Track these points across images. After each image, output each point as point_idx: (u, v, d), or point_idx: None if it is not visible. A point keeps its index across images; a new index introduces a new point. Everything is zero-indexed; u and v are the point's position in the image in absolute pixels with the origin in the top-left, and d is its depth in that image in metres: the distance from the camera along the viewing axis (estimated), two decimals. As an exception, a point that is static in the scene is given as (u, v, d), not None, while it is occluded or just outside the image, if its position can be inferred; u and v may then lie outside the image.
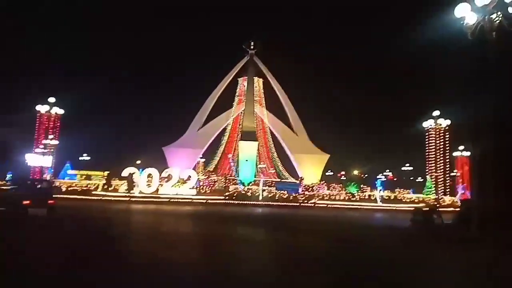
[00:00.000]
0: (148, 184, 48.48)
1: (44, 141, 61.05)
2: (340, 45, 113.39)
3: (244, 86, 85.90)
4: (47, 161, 58.83)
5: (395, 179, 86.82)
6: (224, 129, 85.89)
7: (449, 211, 38.12)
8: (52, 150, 63.41)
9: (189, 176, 51.13)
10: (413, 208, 31.55)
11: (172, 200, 46.10)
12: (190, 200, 46.74)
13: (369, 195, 55.98)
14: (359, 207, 49.94)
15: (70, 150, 69.35)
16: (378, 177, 63.65)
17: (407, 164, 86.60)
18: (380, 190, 54.61)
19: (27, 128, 64.50)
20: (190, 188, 50.03)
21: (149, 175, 48.92)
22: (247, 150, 79.13)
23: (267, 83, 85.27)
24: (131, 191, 47.14)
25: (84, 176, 60.40)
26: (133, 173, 47.97)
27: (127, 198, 45.83)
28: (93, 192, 48.74)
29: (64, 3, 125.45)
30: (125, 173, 48.63)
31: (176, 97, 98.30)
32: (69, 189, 49.85)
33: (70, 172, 61.98)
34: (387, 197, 55.57)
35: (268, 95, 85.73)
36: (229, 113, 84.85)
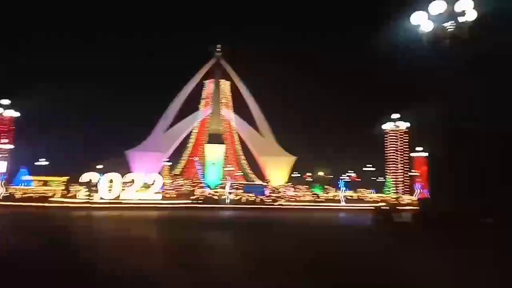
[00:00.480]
0: (110, 190, 46.69)
1: (-3, 146, 57.46)
2: (305, 48, 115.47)
3: (211, 88, 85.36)
4: (0, 166, 55.33)
5: (358, 180, 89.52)
6: (190, 132, 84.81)
7: (408, 210, 39.79)
8: (5, 155, 59.76)
9: (154, 181, 49.84)
10: (374, 208, 32.79)
11: (136, 205, 44.69)
12: (154, 205, 45.57)
13: (334, 196, 57.33)
14: (324, 207, 51.00)
15: (26, 154, 65.57)
16: (341, 177, 65.34)
17: (369, 165, 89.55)
18: (344, 190, 56.06)
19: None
20: (155, 193, 48.78)
21: (111, 181, 47.11)
22: (214, 153, 78.57)
23: (233, 86, 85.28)
24: (90, 198, 45.24)
25: (41, 182, 57.24)
26: (92, 179, 46.08)
27: (87, 205, 43.95)
28: (51, 199, 46.29)
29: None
30: (84, 178, 46.59)
31: (140, 100, 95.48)
32: (23, 196, 47.06)
33: (25, 178, 58.53)
34: (350, 197, 57.18)
35: (235, 98, 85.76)
36: (195, 116, 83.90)
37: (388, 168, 73.86)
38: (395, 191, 68.33)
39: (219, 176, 76.52)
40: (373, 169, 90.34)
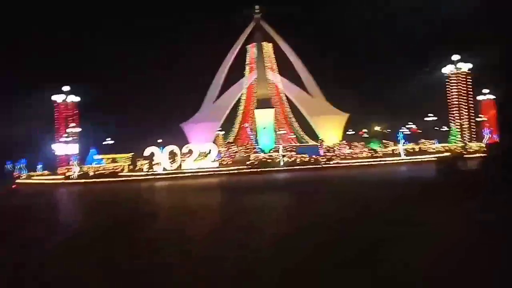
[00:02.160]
0: (171, 161, 49.57)
1: (67, 130, 62.64)
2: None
3: (254, 53, 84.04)
4: (73, 148, 60.60)
5: (419, 131, 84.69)
6: (239, 99, 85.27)
7: (477, 157, 37.05)
8: (75, 137, 65.11)
9: (210, 150, 51.68)
10: (437, 158, 30.84)
11: (196, 174, 47.08)
12: (213, 173, 47.58)
13: (392, 150, 55.00)
14: (382, 162, 49.38)
15: (93, 135, 71.04)
16: (400, 130, 62.07)
17: (430, 114, 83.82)
18: (404, 143, 53.42)
19: (46, 119, 66.24)
20: (212, 161, 50.69)
21: (171, 152, 49.96)
22: (264, 117, 78.57)
23: (277, 47, 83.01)
24: (155, 170, 48.45)
25: (110, 160, 62.16)
26: (154, 153, 49.14)
27: (153, 176, 47.24)
28: (120, 174, 50.29)
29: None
30: (147, 152, 49.86)
31: (187, 73, 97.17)
32: (96, 173, 51.60)
33: (96, 157, 63.86)
34: (411, 150, 54.45)
35: (279, 60, 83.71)
36: (242, 83, 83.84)
37: (452, 116, 68.59)
38: (461, 139, 63.61)
39: (272, 140, 76.98)
40: (435, 118, 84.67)
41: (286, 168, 48.97)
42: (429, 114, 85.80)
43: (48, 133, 63.56)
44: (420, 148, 56.78)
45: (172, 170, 48.81)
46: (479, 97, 66.82)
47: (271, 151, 61.31)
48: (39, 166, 59.89)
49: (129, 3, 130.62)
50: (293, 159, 53.37)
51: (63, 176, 51.90)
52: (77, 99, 65.86)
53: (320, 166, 49.87)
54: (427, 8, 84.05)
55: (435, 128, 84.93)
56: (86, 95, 67.51)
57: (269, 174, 46.64)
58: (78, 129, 64.56)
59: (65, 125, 60.62)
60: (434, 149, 55.58)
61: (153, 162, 49.51)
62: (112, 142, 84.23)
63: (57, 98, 62.34)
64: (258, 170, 48.68)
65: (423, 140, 61.88)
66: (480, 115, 67.57)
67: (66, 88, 63.66)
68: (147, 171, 48.40)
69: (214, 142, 65.56)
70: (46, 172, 58.68)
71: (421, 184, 24.68)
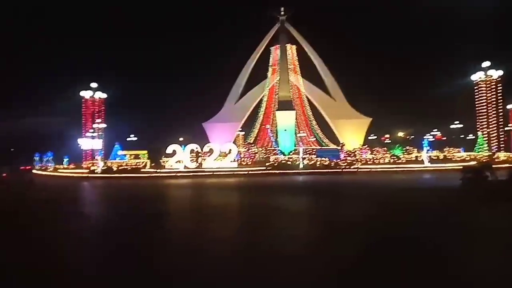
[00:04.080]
0: (192, 159, 50.33)
1: (93, 125, 64.59)
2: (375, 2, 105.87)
3: (277, 55, 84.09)
4: (97, 143, 62.38)
5: (444, 138, 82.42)
6: (260, 100, 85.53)
7: (504, 168, 35.80)
8: (100, 133, 66.97)
9: (230, 150, 52.09)
10: (463, 167, 29.93)
11: (215, 173, 47.54)
12: (232, 173, 47.91)
13: (416, 157, 53.79)
14: (405, 169, 48.40)
15: (117, 132, 72.94)
16: (425, 137, 60.60)
17: (456, 122, 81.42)
18: (428, 150, 52.15)
19: (74, 114, 68.53)
20: (232, 161, 51.07)
21: (192, 151, 50.76)
22: (285, 119, 78.53)
23: (300, 49, 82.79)
24: (176, 167, 49.34)
25: (133, 156, 63.63)
26: (176, 151, 50.11)
27: (174, 174, 48.10)
28: (142, 170, 51.37)
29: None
30: (169, 150, 50.89)
31: (211, 72, 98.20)
32: (119, 168, 52.90)
33: (120, 152, 65.50)
34: (435, 157, 53.09)
35: (302, 62, 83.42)
36: (264, 84, 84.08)
37: (479, 124, 66.45)
38: (488, 148, 61.52)
39: (292, 142, 76.78)
40: (461, 126, 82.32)
41: (306, 171, 48.71)
42: (455, 122, 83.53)
43: (75, 128, 65.66)
44: (444, 155, 55.29)
45: (193, 168, 49.53)
46: (509, 106, 64.50)
47: (291, 153, 61.20)
48: (66, 160, 61.95)
49: (154, 3, 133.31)
50: (313, 162, 53.07)
51: (87, 170, 53.47)
52: (104, 95, 67.72)
53: (341, 170, 49.34)
54: (457, 14, 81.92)
55: (461, 136, 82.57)
56: (113, 92, 69.43)
57: (289, 176, 46.55)
58: (104, 125, 66.37)
59: (91, 120, 62.39)
60: (459, 157, 54.00)
61: (175, 160, 50.44)
62: (135, 138, 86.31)
63: (85, 94, 64.27)
64: (277, 172, 48.65)
65: (448, 148, 60.25)
66: (509, 124, 65.22)
67: (94, 84, 65.55)
68: (172, 168, 49.66)
69: (234, 143, 66.03)
70: (71, 165, 60.67)
71: (452, 191, 24.20)
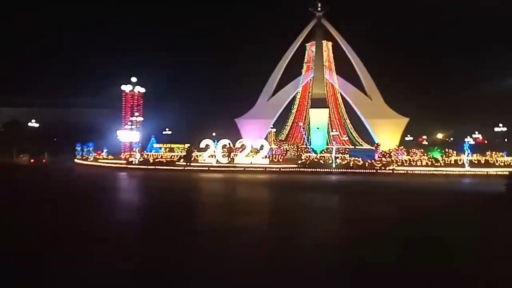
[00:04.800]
0: (224, 155, 51.06)
1: (131, 118, 67.04)
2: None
3: (313, 51, 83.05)
4: (135, 136, 64.72)
5: (485, 142, 78.27)
6: (294, 97, 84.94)
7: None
8: (138, 126, 69.38)
9: (262, 146, 52.31)
10: (509, 172, 28.40)
11: (247, 169, 47.99)
12: (263, 169, 48.16)
13: (455, 160, 51.48)
14: (443, 172, 46.52)
15: (153, 125, 75.35)
16: (465, 140, 57.80)
17: (500, 124, 77.00)
18: (468, 154, 49.77)
19: (114, 107, 71.39)
20: (263, 158, 51.28)
21: (224, 146, 51.51)
22: (318, 117, 77.60)
23: (337, 46, 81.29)
24: (209, 162, 50.37)
25: (167, 149, 65.56)
26: (209, 145, 51.22)
27: (207, 168, 49.16)
28: (177, 163, 52.81)
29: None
30: (202, 144, 52.00)
31: (245, 67, 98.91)
32: (155, 160, 54.72)
33: (155, 145, 67.63)
34: (476, 161, 50.57)
35: (338, 59, 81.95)
36: (298, 81, 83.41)
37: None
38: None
39: (325, 140, 75.83)
40: (505, 129, 77.85)
41: (338, 170, 48.02)
42: (499, 124, 79.09)
43: (115, 120, 68.46)
44: (486, 160, 52.53)
45: (225, 163, 50.29)
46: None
47: (323, 152, 60.45)
48: (105, 151, 64.83)
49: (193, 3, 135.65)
50: (345, 161, 52.18)
51: (125, 161, 55.71)
52: (142, 90, 69.99)
53: (375, 171, 48.21)
54: (506, 8, 77.17)
55: (505, 140, 78.07)
56: (148, 85, 71.69)
57: (320, 175, 46.13)
58: (141, 118, 68.69)
59: (130, 113, 64.72)
60: (503, 162, 51.11)
61: (208, 154, 51.50)
62: (170, 132, 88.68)
63: (126, 88, 66.69)
64: (309, 170, 48.29)
65: (490, 152, 57.15)
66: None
67: (134, 79, 67.87)
68: (205, 162, 50.89)
69: (266, 139, 66.20)
70: (110, 156, 63.40)
71: (497, 197, 23.17)
